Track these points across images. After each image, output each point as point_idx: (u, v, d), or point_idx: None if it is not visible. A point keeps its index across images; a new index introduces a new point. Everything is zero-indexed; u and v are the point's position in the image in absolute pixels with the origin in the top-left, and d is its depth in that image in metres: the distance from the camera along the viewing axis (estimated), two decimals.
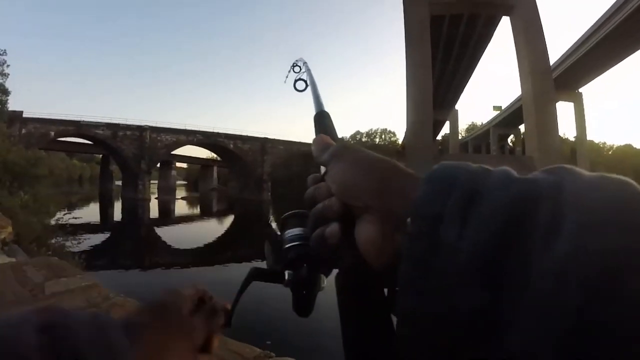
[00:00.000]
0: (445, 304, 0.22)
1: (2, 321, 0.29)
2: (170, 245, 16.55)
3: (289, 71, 0.81)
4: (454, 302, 0.22)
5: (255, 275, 0.41)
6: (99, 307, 2.53)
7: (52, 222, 9.49)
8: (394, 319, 0.30)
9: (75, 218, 10.72)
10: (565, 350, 0.18)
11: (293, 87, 0.73)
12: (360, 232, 0.30)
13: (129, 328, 0.34)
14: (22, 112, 31.62)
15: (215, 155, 51.22)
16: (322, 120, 0.50)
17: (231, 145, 40.77)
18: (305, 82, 0.72)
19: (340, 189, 0.32)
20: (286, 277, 0.39)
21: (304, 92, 0.71)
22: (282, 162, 42.95)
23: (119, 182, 48.73)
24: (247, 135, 42.30)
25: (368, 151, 0.34)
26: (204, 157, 58.75)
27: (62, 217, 10.14)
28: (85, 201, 38.43)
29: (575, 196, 0.21)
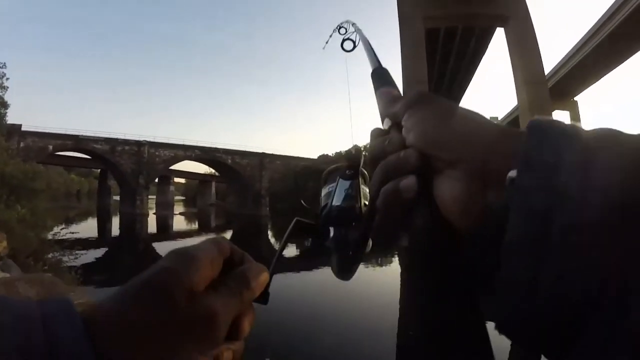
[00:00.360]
0: (574, 263, 0.19)
1: None
2: None
3: (331, 35, 0.81)
4: (585, 259, 0.19)
5: (298, 227, 0.38)
6: None
7: (49, 236, 9.41)
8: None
9: (73, 233, 10.64)
10: None
11: (340, 47, 0.72)
12: (443, 188, 0.28)
13: (95, 325, 0.22)
14: (20, 125, 31.56)
15: (213, 171, 51.14)
16: (382, 76, 0.46)
17: (229, 161, 40.73)
18: (354, 41, 0.71)
19: (423, 138, 0.29)
20: (331, 233, 0.37)
21: (351, 52, 0.70)
22: (280, 177, 42.91)
23: (117, 197, 48.59)
24: (245, 151, 42.37)
25: (449, 101, 0.31)
26: (202, 172, 58.59)
27: (60, 232, 10.06)
28: (83, 216, 38.28)
29: None
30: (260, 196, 40.57)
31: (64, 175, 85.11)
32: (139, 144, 37.45)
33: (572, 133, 0.23)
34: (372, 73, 0.47)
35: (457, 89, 39.78)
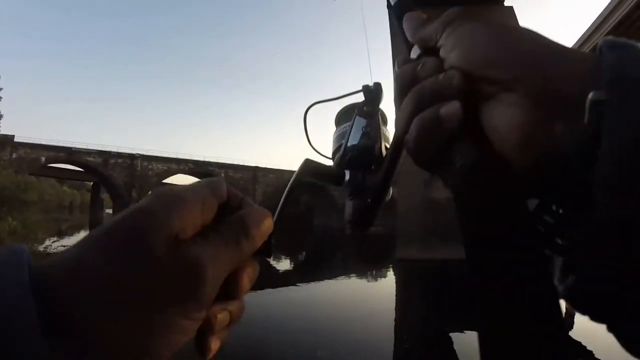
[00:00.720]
0: None
1: None
2: None
3: None
4: None
5: (308, 169, 0.32)
6: None
7: (41, 249, 9.31)
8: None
9: (65, 246, 10.52)
10: None
11: None
12: (500, 118, 0.23)
13: (46, 276, 0.19)
14: (13, 136, 31.44)
15: None
16: (405, 4, 0.36)
17: (222, 174, 40.70)
18: None
19: (471, 55, 0.24)
20: (346, 177, 0.32)
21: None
22: (274, 190, 42.85)
23: (110, 210, 48.22)
24: (238, 164, 42.41)
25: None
26: None
27: (51, 245, 9.97)
28: (75, 229, 37.82)
29: None
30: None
31: (56, 187, 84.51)
32: (131, 157, 37.38)
33: None
34: (394, 4, 0.36)
35: None
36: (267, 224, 0.25)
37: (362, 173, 0.32)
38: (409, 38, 0.30)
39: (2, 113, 22.95)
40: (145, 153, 38.85)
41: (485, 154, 0.23)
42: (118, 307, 0.19)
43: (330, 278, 9.44)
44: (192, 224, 0.22)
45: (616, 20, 21.95)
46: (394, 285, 9.48)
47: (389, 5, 0.36)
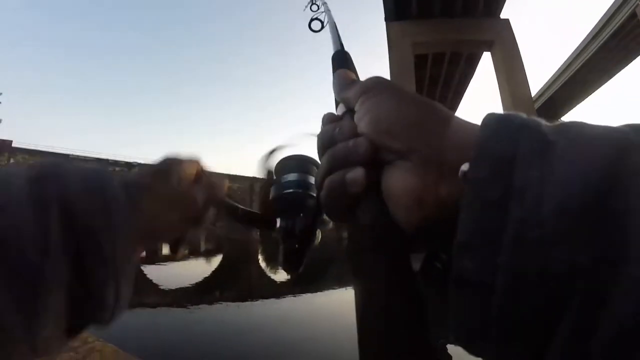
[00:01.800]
0: (530, 261, 0.18)
1: None
2: (156, 285, 16.14)
3: (305, 8, 0.75)
4: (541, 258, 0.18)
5: (243, 217, 0.39)
6: (76, 352, 2.42)
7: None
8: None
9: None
10: None
11: (308, 28, 0.68)
12: (394, 181, 0.25)
13: (129, 187, 0.32)
14: (11, 141, 31.28)
15: None
16: (342, 59, 0.43)
17: None
18: (322, 22, 0.67)
19: (376, 127, 0.27)
20: (278, 224, 0.35)
21: (319, 33, 0.66)
22: (271, 202, 42.55)
23: None
24: (235, 175, 42.28)
25: (406, 88, 0.29)
26: None
27: None
28: None
29: None
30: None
31: None
32: (129, 165, 37.17)
33: (531, 125, 0.22)
34: (333, 56, 0.44)
35: None
36: (224, 184, 0.43)
37: (291, 220, 0.35)
38: (335, 95, 0.34)
39: (1, 118, 22.86)
40: (144, 162, 38.69)
41: (385, 214, 0.26)
42: (161, 208, 0.34)
43: (326, 289, 9.40)
44: (186, 177, 0.37)
45: (612, 30, 21.95)
46: None
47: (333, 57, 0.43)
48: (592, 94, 35.44)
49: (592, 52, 26.72)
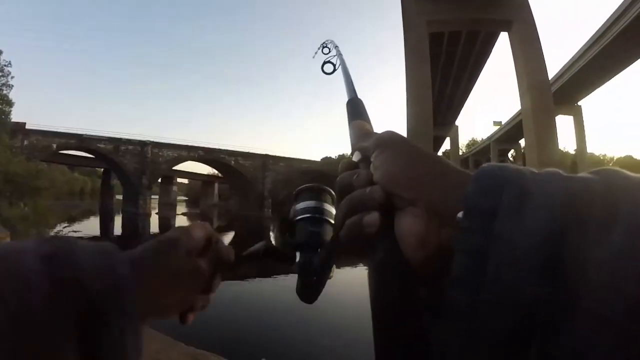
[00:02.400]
0: (504, 295, 0.22)
1: (5, 246, 0.30)
2: None
3: (317, 52, 0.80)
4: (513, 293, 0.22)
5: (265, 252, 0.40)
6: None
7: (53, 234, 9.46)
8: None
9: (76, 231, 10.75)
10: (621, 345, 0.18)
11: (321, 70, 0.71)
12: (404, 225, 0.30)
13: (135, 262, 0.33)
14: (24, 123, 31.59)
15: (216, 172, 51.18)
16: (356, 107, 0.48)
17: (232, 162, 40.71)
18: (334, 65, 0.70)
19: (389, 178, 0.31)
20: (297, 259, 0.37)
21: (331, 76, 0.69)
22: (283, 179, 42.91)
23: (120, 197, 48.70)
24: (248, 152, 42.37)
25: (416, 143, 0.33)
26: (205, 173, 58.70)
27: (62, 230, 10.15)
28: (86, 214, 38.31)
29: (627, 194, 0.22)
30: (263, 198, 40.60)
31: (67, 174, 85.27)
32: (142, 143, 37.53)
33: (513, 179, 0.25)
34: (347, 103, 0.48)
35: (461, 93, 39.76)
36: (232, 255, 0.41)
37: (309, 254, 0.37)
38: (351, 143, 0.38)
39: (13, 101, 23.15)
40: (156, 140, 38.96)
41: (397, 252, 0.30)
42: (168, 285, 0.35)
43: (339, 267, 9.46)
44: (195, 246, 0.37)
45: (633, 15, 21.25)
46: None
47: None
48: (611, 80, 34.60)
49: (611, 38, 25.90)
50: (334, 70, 0.70)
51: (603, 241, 0.20)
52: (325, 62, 0.72)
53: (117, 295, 0.30)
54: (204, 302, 0.40)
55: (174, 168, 44.00)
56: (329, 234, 0.38)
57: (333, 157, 45.52)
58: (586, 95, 38.70)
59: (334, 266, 0.37)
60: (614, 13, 25.29)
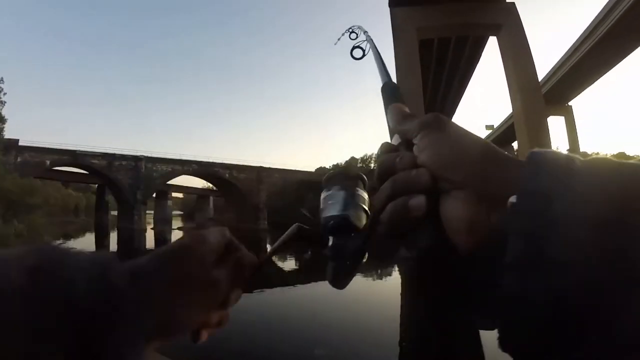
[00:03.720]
0: (562, 280, 0.21)
1: None
2: None
3: (342, 36, 0.81)
4: (571, 277, 0.21)
5: (298, 233, 0.39)
6: None
7: (42, 244, 9.34)
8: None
9: (71, 248, 10.54)
10: None
11: (350, 55, 0.72)
12: (451, 209, 0.29)
13: (138, 273, 0.30)
14: (17, 140, 31.43)
15: (211, 185, 51.06)
16: (393, 91, 0.46)
17: (227, 175, 40.75)
18: (363, 50, 0.70)
19: (436, 160, 0.30)
20: (330, 242, 0.36)
21: (361, 60, 0.70)
22: (278, 190, 42.88)
23: (115, 212, 48.42)
24: (242, 165, 42.42)
25: (461, 127, 0.32)
26: (200, 187, 58.52)
27: None
28: (80, 231, 38.04)
29: None
30: (259, 210, 40.49)
31: (61, 190, 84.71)
32: (136, 158, 37.45)
33: (566, 163, 0.25)
34: (382, 87, 0.47)
35: (453, 98, 39.98)
36: (254, 264, 0.38)
37: (343, 239, 0.35)
38: (391, 127, 0.37)
39: (6, 117, 23.01)
40: (150, 155, 38.89)
41: (442, 238, 0.29)
42: (180, 297, 0.31)
43: None
44: (211, 254, 0.34)
45: (620, 13, 21.59)
46: (399, 283, 9.49)
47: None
48: (600, 79, 35.01)
49: (599, 36, 26.29)
50: (364, 55, 0.70)
51: None
52: (354, 47, 0.72)
53: (116, 315, 0.26)
54: (220, 318, 0.36)
55: (168, 182, 43.87)
56: (362, 219, 0.36)
57: (327, 167, 45.50)
58: (576, 95, 39.10)
59: (366, 253, 0.36)
60: (598, 14, 25.69)
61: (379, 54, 0.61)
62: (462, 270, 0.30)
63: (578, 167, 0.24)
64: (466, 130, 0.32)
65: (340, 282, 0.37)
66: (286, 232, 0.40)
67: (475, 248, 0.28)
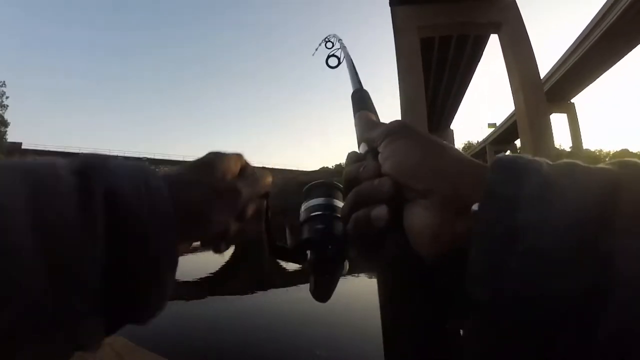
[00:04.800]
0: (531, 289, 0.21)
1: (35, 161, 0.26)
2: None
3: (319, 46, 0.81)
4: (540, 286, 0.20)
5: (275, 252, 0.39)
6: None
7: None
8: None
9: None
10: None
11: (325, 64, 0.72)
12: (415, 218, 0.28)
13: (173, 180, 0.31)
14: (21, 143, 31.65)
15: None
16: (362, 98, 0.46)
17: None
18: (338, 58, 0.70)
19: (399, 167, 0.30)
20: (308, 256, 0.36)
21: (336, 69, 0.70)
22: (278, 191, 42.72)
23: None
24: None
25: (427, 133, 0.31)
26: None
27: None
28: None
29: None
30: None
31: None
32: (138, 160, 37.37)
33: (533, 168, 0.24)
34: (352, 94, 0.47)
35: (454, 97, 39.89)
36: (269, 178, 0.39)
37: (321, 252, 0.35)
38: (357, 135, 0.36)
39: (9, 121, 23.08)
40: (152, 156, 38.94)
41: (405, 248, 0.28)
42: (204, 202, 0.32)
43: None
44: (231, 170, 0.35)
45: (620, 11, 21.43)
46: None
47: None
48: (602, 76, 34.82)
49: (600, 34, 26.17)
50: (339, 63, 0.69)
51: (633, 230, 0.19)
52: (329, 56, 0.72)
53: (153, 208, 0.27)
54: (238, 229, 0.36)
55: None
56: (340, 230, 0.36)
57: (330, 167, 45.47)
58: (578, 93, 38.99)
59: (347, 262, 0.36)
60: (599, 11, 25.54)
61: (351, 61, 0.61)
62: (427, 280, 0.29)
63: (546, 172, 0.23)
64: (433, 137, 0.31)
65: (322, 295, 0.37)
66: (266, 251, 0.40)
67: (440, 258, 0.27)
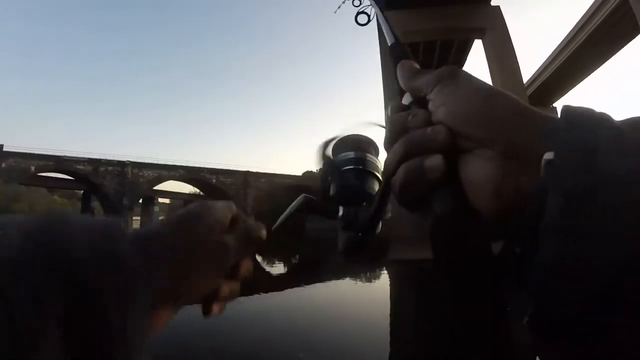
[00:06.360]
0: (618, 249, 0.18)
1: None
2: None
3: (340, 6, 0.79)
4: (629, 246, 0.18)
5: (305, 205, 0.37)
6: None
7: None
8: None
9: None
10: None
11: (354, 21, 0.73)
12: (475, 169, 0.26)
13: (145, 241, 0.28)
14: (2, 145, 30.96)
15: (198, 190, 50.71)
16: (403, 51, 0.44)
17: (214, 180, 40.44)
18: (368, 15, 0.71)
19: (456, 115, 0.27)
20: (340, 212, 0.34)
21: (365, 26, 0.70)
22: (265, 195, 42.70)
23: None
24: (229, 169, 42.15)
25: (481, 79, 0.28)
26: (187, 192, 58.09)
27: None
28: None
29: None
30: (246, 214, 40.21)
31: (47, 196, 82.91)
32: (122, 164, 37.01)
33: (605, 118, 0.22)
34: (390, 47, 0.44)
35: None
36: (263, 234, 0.37)
37: (354, 209, 0.34)
38: (402, 85, 0.33)
39: None
40: (136, 160, 38.49)
41: (461, 202, 0.26)
42: (187, 263, 0.30)
43: (323, 281, 9.44)
44: (219, 224, 0.33)
45: (602, 17, 21.96)
46: (388, 286, 9.49)
47: (386, 46, 0.44)
48: (584, 80, 35.58)
49: (582, 39, 26.78)
50: (369, 20, 0.72)
51: None
52: (359, 13, 0.75)
53: (118, 273, 0.25)
54: (231, 289, 0.34)
55: (154, 188, 43.44)
56: (373, 186, 0.34)
57: (315, 171, 45.49)
58: (560, 97, 39.68)
59: (381, 222, 0.33)
60: (580, 19, 26.15)
61: (384, 16, 0.58)
62: (486, 241, 0.26)
63: (620, 123, 0.22)
64: (486, 83, 0.28)
65: (351, 255, 0.34)
66: (293, 203, 0.37)
67: (502, 214, 0.24)
